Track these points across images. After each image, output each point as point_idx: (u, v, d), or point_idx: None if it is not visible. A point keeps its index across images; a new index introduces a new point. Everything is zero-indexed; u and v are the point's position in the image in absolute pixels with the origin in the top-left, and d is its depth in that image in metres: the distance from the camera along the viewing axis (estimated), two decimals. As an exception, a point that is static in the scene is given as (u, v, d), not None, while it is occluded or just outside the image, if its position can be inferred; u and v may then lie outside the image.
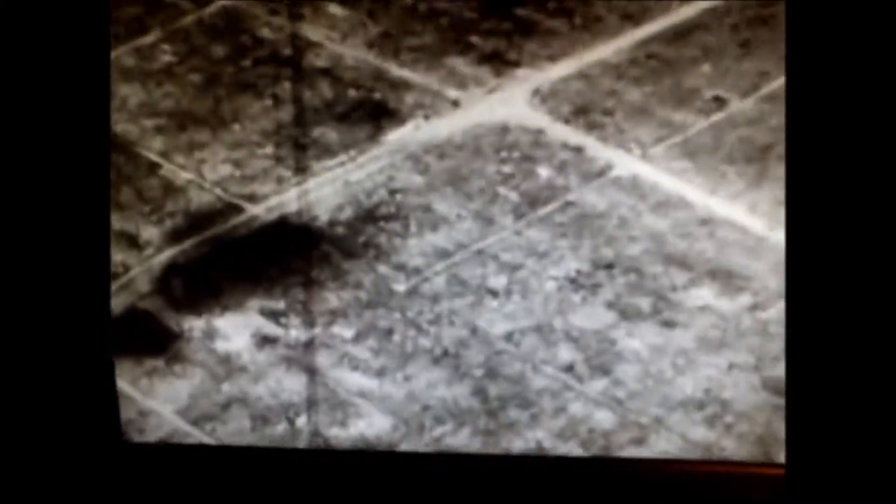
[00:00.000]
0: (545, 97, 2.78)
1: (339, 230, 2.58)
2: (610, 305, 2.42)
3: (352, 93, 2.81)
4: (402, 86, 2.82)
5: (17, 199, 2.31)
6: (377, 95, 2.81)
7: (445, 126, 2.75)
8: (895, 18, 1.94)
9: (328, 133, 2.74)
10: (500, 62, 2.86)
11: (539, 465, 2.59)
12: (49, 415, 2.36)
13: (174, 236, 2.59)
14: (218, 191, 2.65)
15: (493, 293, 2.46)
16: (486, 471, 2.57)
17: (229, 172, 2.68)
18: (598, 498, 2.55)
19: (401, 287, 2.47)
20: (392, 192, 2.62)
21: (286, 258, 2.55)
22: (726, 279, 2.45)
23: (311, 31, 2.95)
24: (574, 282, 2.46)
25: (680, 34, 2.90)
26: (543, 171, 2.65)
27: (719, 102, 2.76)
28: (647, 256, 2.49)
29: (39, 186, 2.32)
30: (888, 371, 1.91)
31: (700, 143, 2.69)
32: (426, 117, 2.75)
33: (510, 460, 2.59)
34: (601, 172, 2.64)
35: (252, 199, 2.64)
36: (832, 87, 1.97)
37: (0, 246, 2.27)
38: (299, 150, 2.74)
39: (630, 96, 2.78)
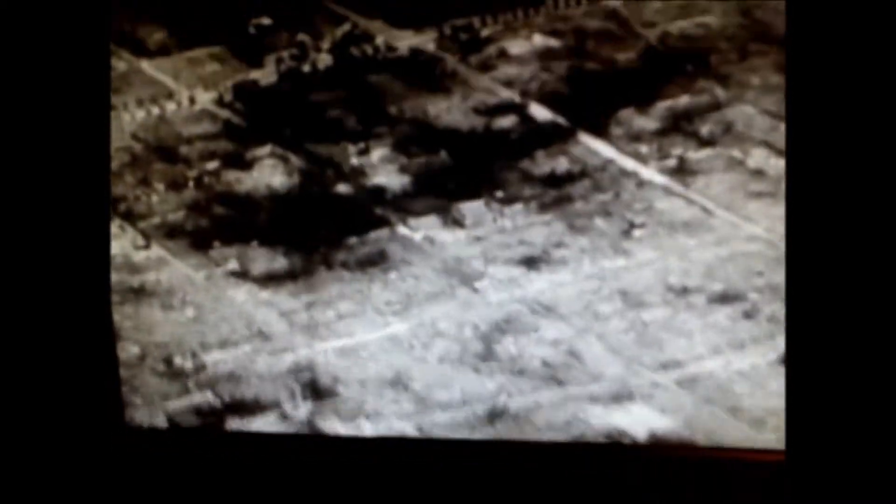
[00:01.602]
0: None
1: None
2: None
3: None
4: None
5: (21, 195, 2.29)
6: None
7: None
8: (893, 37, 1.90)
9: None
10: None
11: (540, 452, 2.56)
12: (53, 400, 2.35)
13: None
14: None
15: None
16: (485, 458, 2.54)
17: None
18: (599, 482, 2.53)
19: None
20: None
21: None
22: None
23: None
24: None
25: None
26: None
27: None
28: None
29: (40, 188, 2.31)
30: (885, 359, 1.95)
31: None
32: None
33: (510, 446, 2.56)
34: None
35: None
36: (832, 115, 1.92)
37: (6, 240, 2.27)
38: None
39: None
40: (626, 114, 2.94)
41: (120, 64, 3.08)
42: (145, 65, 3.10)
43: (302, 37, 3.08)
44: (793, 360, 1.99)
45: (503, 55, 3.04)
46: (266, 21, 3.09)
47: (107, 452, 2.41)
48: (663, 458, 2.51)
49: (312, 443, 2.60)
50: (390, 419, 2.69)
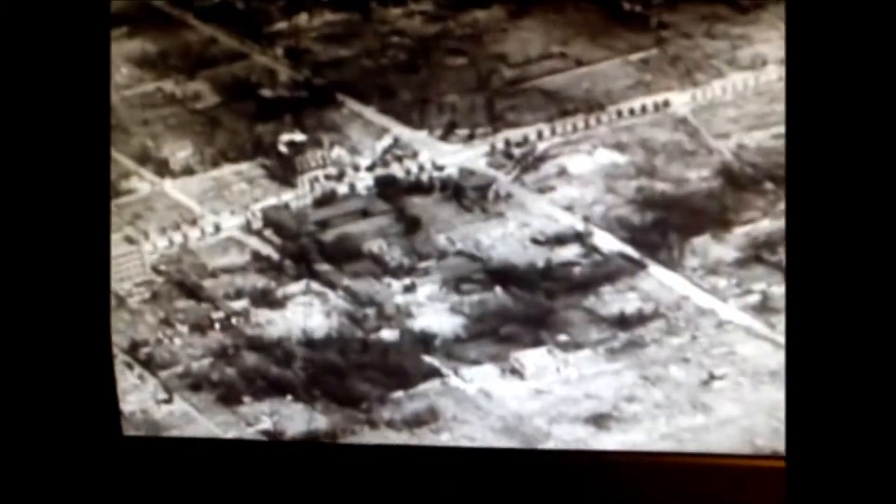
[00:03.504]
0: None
1: None
2: None
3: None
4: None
5: (21, 199, 2.19)
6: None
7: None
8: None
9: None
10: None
11: (538, 458, 2.47)
12: (50, 410, 2.25)
13: None
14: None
15: None
16: (477, 464, 2.38)
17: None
18: (599, 489, 2.44)
19: None
20: None
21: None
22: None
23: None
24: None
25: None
26: None
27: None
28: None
29: (41, 189, 2.21)
30: (885, 366, 1.94)
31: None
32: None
33: (504, 454, 2.38)
34: None
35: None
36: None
37: (4, 246, 2.17)
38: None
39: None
40: (701, 242, 2.64)
41: (142, 185, 2.80)
42: (168, 186, 2.81)
43: (338, 153, 2.79)
44: (792, 369, 2.01)
45: (563, 174, 2.74)
46: (298, 136, 2.80)
47: (103, 462, 2.33)
48: (665, 466, 2.43)
49: (308, 450, 2.43)
50: None
